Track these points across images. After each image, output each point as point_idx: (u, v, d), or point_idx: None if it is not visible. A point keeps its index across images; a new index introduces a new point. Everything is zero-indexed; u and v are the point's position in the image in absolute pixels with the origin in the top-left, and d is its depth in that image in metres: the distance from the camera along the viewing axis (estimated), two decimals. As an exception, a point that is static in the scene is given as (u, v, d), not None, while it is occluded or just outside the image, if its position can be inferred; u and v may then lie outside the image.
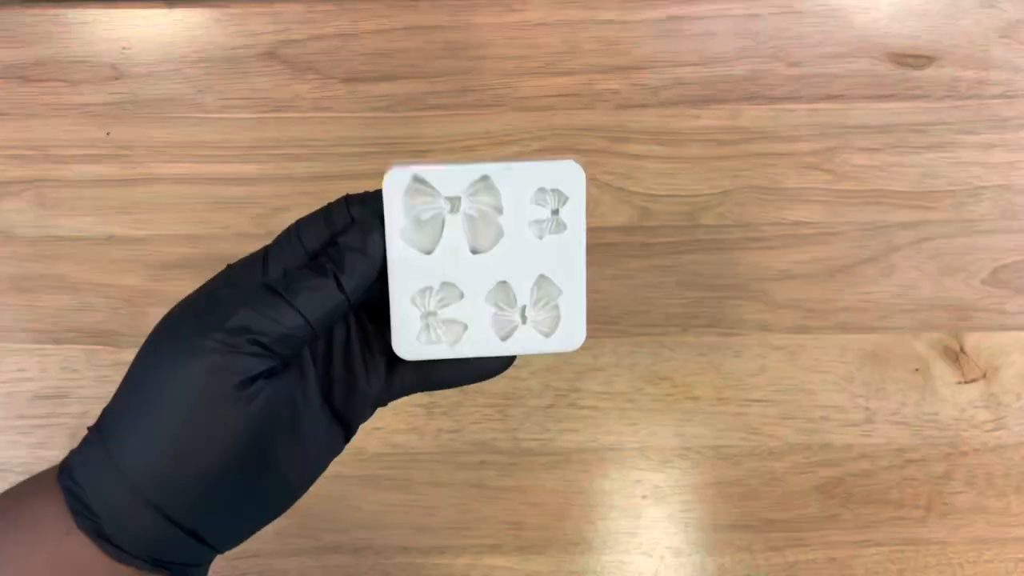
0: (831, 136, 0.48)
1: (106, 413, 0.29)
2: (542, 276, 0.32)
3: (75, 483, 0.27)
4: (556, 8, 0.48)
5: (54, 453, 0.49)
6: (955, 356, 0.49)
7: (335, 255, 0.28)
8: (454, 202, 0.31)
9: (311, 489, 0.51)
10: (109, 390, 0.49)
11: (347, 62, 0.48)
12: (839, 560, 0.49)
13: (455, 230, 0.30)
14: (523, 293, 0.32)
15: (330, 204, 0.30)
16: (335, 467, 0.50)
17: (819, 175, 0.48)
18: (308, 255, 0.29)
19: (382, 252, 0.29)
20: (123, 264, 0.49)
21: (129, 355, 0.50)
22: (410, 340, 0.30)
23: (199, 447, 0.27)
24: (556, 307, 0.32)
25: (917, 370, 0.49)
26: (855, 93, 0.48)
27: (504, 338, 0.31)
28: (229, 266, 0.29)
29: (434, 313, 0.30)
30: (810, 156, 0.48)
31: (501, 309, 0.31)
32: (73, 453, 0.28)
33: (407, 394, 0.31)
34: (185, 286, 0.29)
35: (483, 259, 0.31)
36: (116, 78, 0.48)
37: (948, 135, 0.48)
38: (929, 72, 0.48)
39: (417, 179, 0.31)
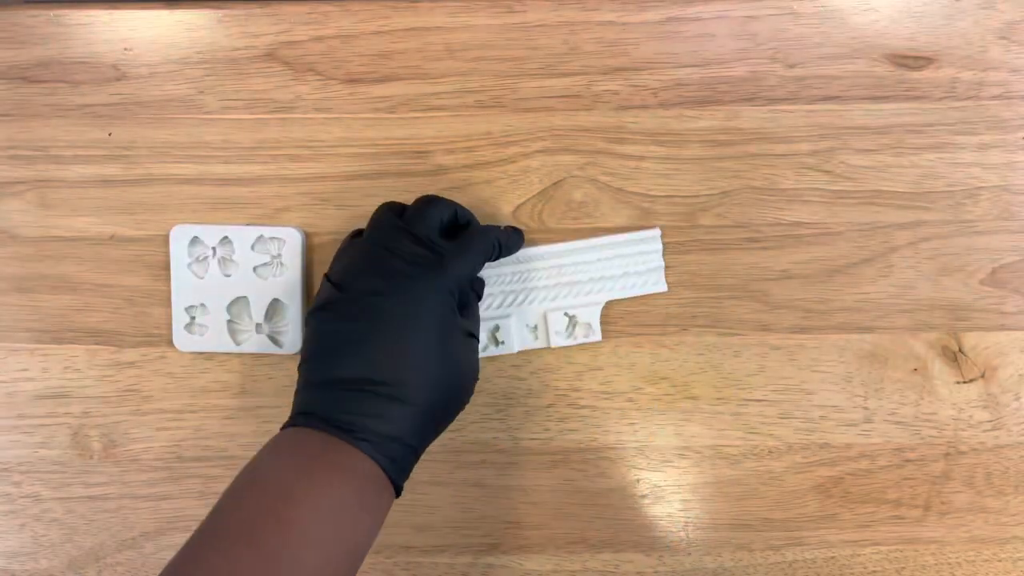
0: (829, 137, 0.48)
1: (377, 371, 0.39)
2: (275, 299, 0.48)
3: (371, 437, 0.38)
4: (556, 9, 0.48)
5: (56, 452, 0.49)
6: (953, 356, 0.49)
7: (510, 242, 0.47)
8: (215, 249, 0.48)
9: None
10: (110, 390, 0.50)
11: (348, 63, 0.48)
12: (838, 559, 0.50)
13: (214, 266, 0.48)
14: (259, 312, 0.48)
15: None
16: (335, 466, 0.50)
17: (817, 176, 0.49)
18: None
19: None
20: (124, 264, 0.49)
21: (130, 355, 0.51)
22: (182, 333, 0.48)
23: (453, 382, 0.41)
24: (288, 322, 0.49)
25: (916, 370, 0.49)
26: (853, 94, 0.48)
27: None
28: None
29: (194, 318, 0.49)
30: (808, 157, 0.49)
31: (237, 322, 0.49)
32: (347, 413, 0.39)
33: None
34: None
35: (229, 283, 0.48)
36: (118, 79, 0.48)
37: (946, 136, 0.48)
38: (927, 73, 0.48)
39: (194, 235, 0.48)
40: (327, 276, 0.43)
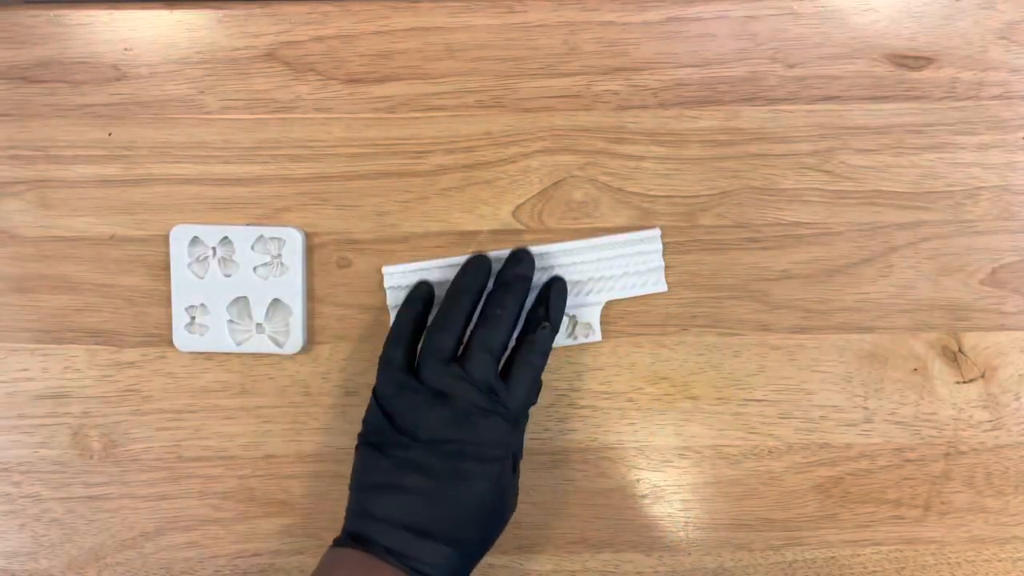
0: (829, 137, 0.48)
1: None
2: (275, 299, 0.48)
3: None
4: (556, 10, 0.48)
5: (56, 452, 0.49)
6: (953, 356, 0.49)
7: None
8: (215, 249, 0.48)
9: (312, 489, 0.51)
10: (111, 390, 0.50)
11: (348, 63, 0.48)
12: (837, 559, 0.50)
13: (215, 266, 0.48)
14: (259, 312, 0.48)
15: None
16: (336, 467, 0.51)
17: (817, 176, 0.49)
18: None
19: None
20: (124, 264, 0.49)
21: (130, 355, 0.51)
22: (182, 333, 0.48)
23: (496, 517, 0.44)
24: (286, 323, 0.48)
25: (916, 370, 0.49)
26: (853, 94, 0.48)
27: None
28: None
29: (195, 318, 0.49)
30: (808, 157, 0.49)
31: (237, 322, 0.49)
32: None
33: None
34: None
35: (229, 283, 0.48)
36: (118, 79, 0.48)
37: (946, 136, 0.48)
38: (927, 73, 0.48)
39: (195, 235, 0.48)
40: (378, 401, 0.44)
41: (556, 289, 0.46)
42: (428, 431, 0.42)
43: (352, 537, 0.42)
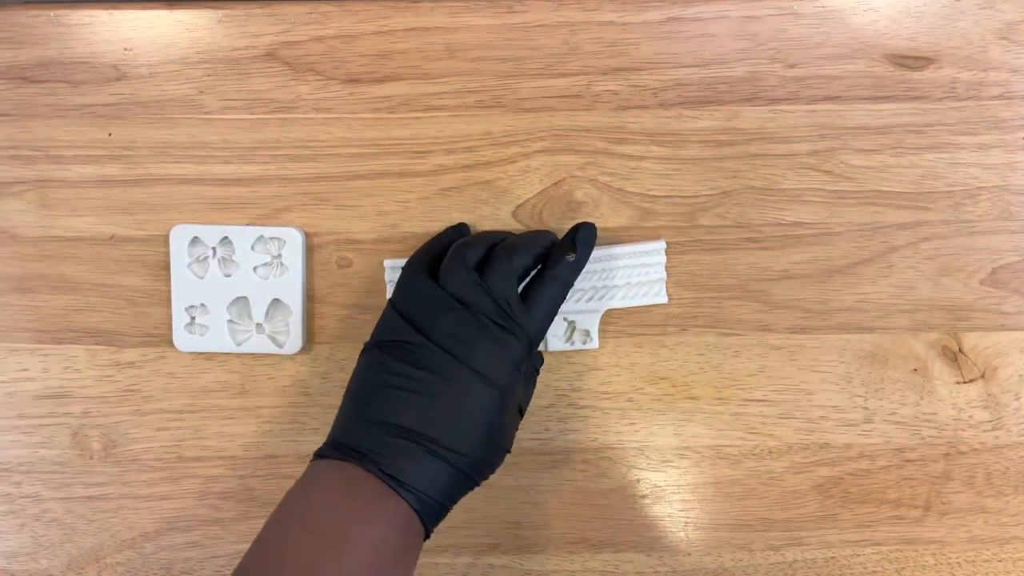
0: (829, 137, 0.48)
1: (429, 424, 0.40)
2: (275, 299, 0.49)
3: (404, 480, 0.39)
4: (556, 10, 0.48)
5: (56, 452, 0.49)
6: (953, 356, 0.49)
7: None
8: (215, 249, 0.48)
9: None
10: (111, 390, 0.50)
11: (348, 63, 0.48)
12: (837, 559, 0.50)
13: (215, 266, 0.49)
14: (259, 312, 0.49)
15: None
16: (335, 466, 0.50)
17: (817, 176, 0.49)
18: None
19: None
20: (124, 264, 0.49)
21: (130, 355, 0.51)
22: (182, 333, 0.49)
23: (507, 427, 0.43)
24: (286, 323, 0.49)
25: (915, 370, 0.49)
26: (853, 94, 0.48)
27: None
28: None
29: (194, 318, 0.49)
30: (808, 157, 0.49)
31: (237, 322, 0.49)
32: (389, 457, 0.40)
33: None
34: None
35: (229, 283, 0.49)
36: (118, 79, 0.48)
37: (946, 136, 0.48)
38: (927, 73, 0.48)
39: (195, 235, 0.48)
40: (395, 306, 0.43)
41: (585, 229, 0.45)
42: (443, 336, 0.41)
43: (336, 447, 0.40)
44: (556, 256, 0.44)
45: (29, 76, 0.48)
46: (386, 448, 0.39)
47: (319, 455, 0.41)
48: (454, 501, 0.41)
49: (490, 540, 0.50)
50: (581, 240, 0.45)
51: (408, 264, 0.44)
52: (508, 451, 0.43)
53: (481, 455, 0.41)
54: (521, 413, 0.44)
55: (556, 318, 0.48)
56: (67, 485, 0.50)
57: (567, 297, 0.46)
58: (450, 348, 0.41)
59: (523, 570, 0.50)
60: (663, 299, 0.48)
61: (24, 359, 0.49)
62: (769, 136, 0.48)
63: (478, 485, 0.42)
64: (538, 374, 0.47)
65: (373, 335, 0.43)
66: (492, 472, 0.43)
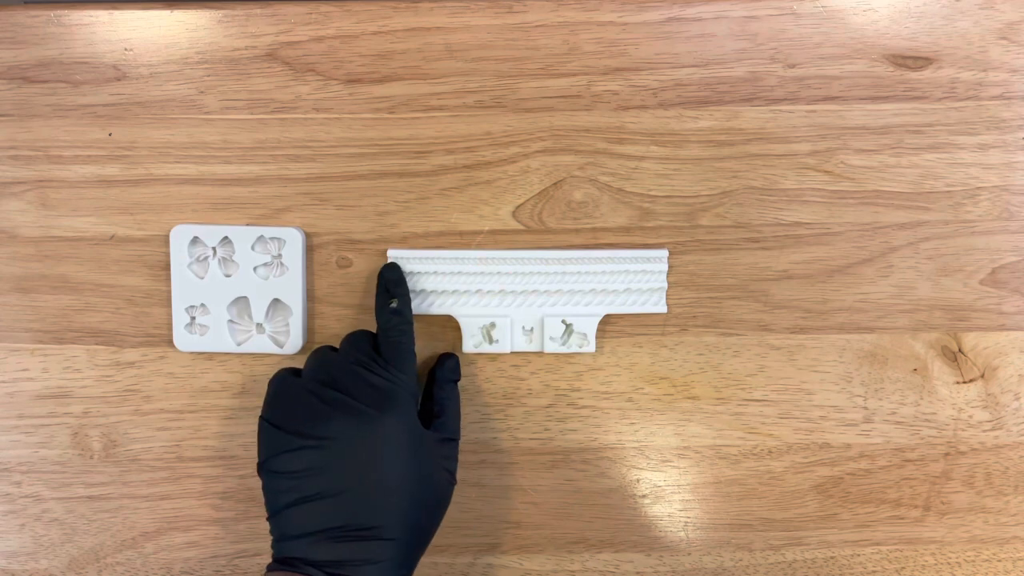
0: (829, 137, 0.48)
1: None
2: (276, 299, 0.48)
3: None
4: (556, 10, 0.48)
5: (56, 452, 0.49)
6: (953, 356, 0.49)
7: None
8: (215, 249, 0.48)
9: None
10: (111, 390, 0.50)
11: (348, 63, 0.48)
12: (838, 559, 0.50)
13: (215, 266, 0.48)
14: (259, 312, 0.48)
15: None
16: (335, 466, 0.50)
17: (817, 176, 0.49)
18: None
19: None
20: (125, 264, 0.49)
21: (130, 355, 0.51)
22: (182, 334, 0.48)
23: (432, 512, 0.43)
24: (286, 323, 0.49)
25: (915, 370, 0.49)
26: (853, 94, 0.48)
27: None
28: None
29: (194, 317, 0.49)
30: (808, 157, 0.49)
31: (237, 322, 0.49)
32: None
33: None
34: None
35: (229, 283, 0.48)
36: (118, 79, 0.48)
37: (946, 136, 0.49)
38: (927, 73, 0.48)
39: (195, 235, 0.48)
40: (269, 421, 0.42)
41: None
42: (322, 429, 0.41)
43: (281, 561, 0.40)
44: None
45: (29, 76, 0.48)
46: (322, 552, 0.39)
47: (270, 568, 0.41)
48: (412, 564, 0.42)
49: (490, 540, 0.50)
50: (392, 282, 0.46)
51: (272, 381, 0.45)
52: (451, 486, 0.43)
53: (416, 515, 0.41)
54: (451, 441, 0.44)
55: (554, 320, 0.48)
56: (67, 485, 0.50)
57: (564, 301, 0.48)
58: (334, 438, 0.40)
59: (523, 570, 0.50)
60: (662, 308, 0.48)
61: (24, 359, 0.49)
62: (769, 136, 0.48)
63: (431, 536, 0.43)
64: (458, 380, 0.48)
65: (259, 456, 0.43)
66: (441, 517, 0.43)
